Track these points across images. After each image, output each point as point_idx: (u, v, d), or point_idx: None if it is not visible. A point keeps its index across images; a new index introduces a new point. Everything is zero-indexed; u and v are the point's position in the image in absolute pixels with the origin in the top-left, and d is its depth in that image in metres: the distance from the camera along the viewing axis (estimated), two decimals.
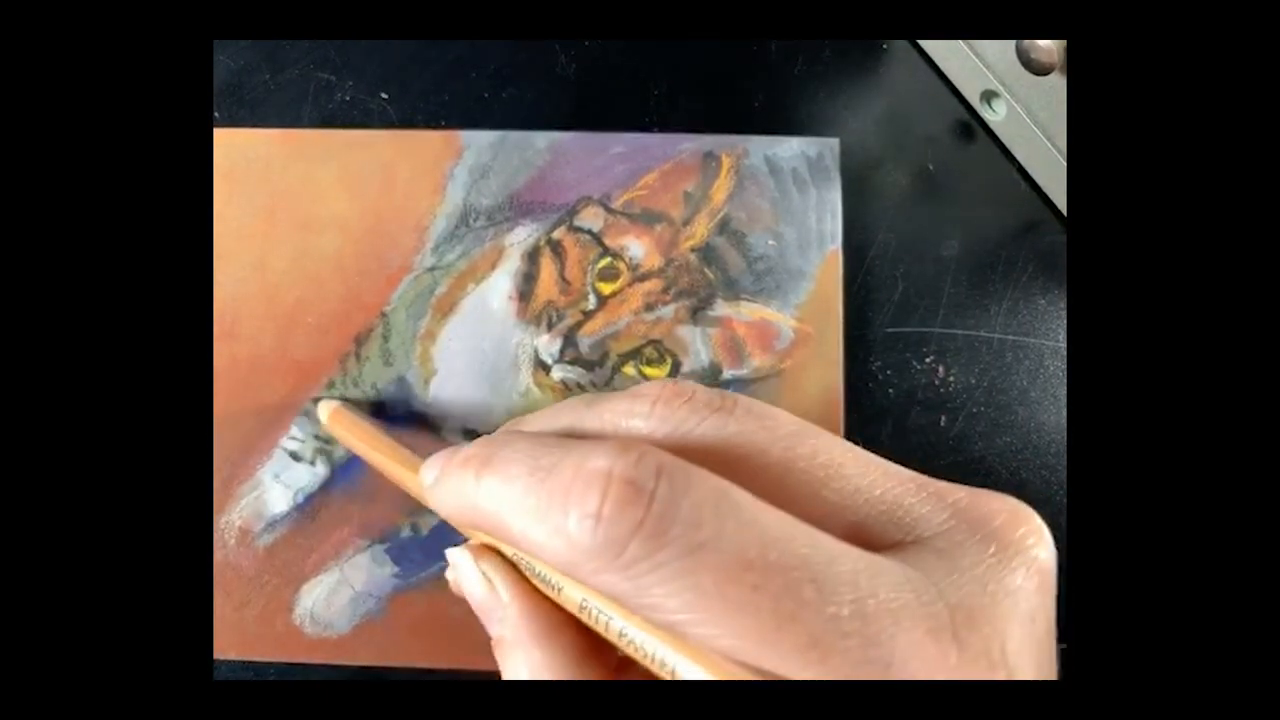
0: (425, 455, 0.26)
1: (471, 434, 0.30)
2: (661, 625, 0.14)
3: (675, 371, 0.30)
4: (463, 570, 0.18)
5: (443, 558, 0.29)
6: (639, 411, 0.17)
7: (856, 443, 0.24)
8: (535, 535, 0.15)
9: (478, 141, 0.32)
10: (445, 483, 0.18)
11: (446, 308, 0.30)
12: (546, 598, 0.17)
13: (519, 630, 0.17)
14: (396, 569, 0.29)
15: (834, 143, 0.31)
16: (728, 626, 0.14)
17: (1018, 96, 0.30)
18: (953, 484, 0.16)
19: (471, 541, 0.19)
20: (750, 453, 0.16)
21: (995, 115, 0.32)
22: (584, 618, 0.16)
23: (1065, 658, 0.16)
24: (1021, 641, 0.14)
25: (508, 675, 0.17)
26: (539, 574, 0.17)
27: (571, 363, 0.30)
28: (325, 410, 0.29)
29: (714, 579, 0.14)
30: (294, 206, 0.31)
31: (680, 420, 0.17)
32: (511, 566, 0.18)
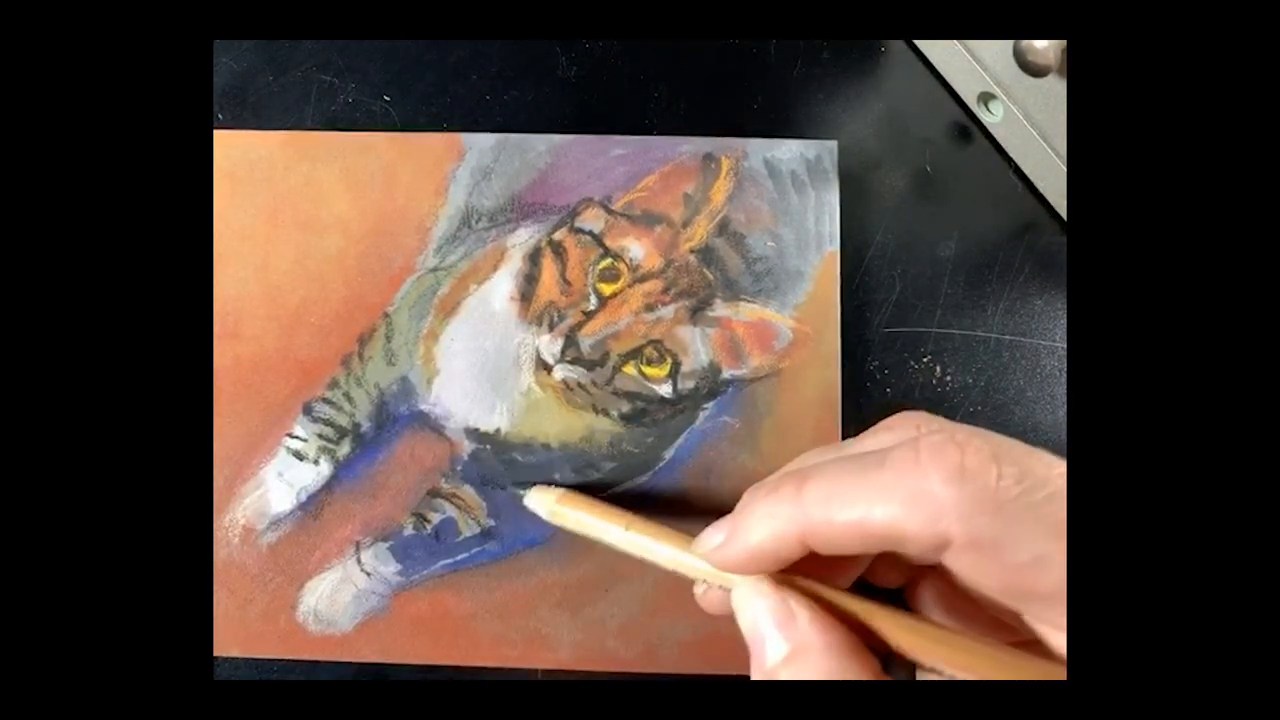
0: (435, 460, 0.27)
1: (474, 433, 0.30)
2: (1013, 577, 0.18)
3: (675, 371, 0.30)
4: (758, 603, 0.20)
5: (446, 555, 0.29)
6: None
7: None
8: (891, 510, 0.18)
9: (479, 144, 0.32)
10: (747, 525, 0.20)
11: (449, 308, 0.31)
12: (832, 614, 0.20)
13: (812, 643, 0.19)
14: (399, 567, 0.29)
15: (832, 145, 0.31)
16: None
17: (1015, 98, 0.30)
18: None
19: (748, 579, 0.21)
20: None
21: (992, 117, 0.32)
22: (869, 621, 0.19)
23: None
24: None
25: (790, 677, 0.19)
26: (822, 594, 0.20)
27: (573, 362, 0.30)
28: (545, 501, 0.27)
29: (1056, 510, 0.17)
30: (297, 208, 0.31)
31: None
32: (796, 590, 0.20)
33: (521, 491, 0.29)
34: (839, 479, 0.19)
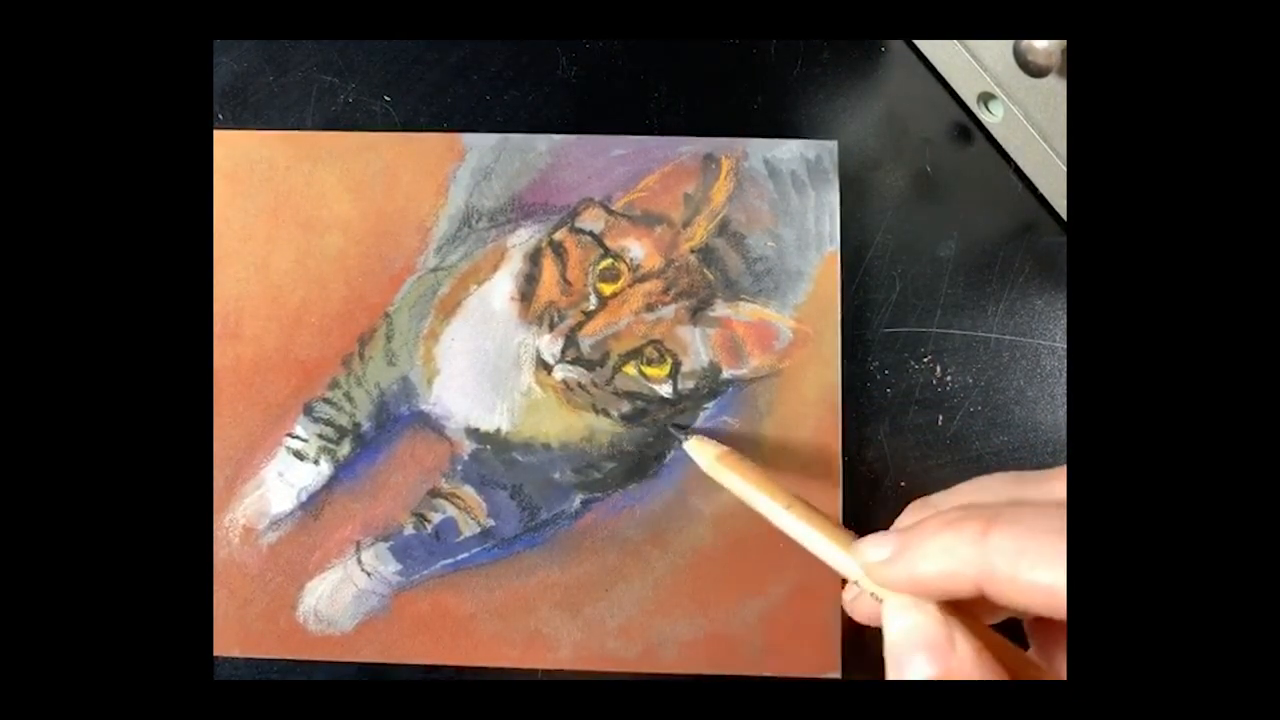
0: (435, 460, 0.27)
1: (474, 433, 0.30)
2: None
3: (675, 371, 0.30)
4: (916, 619, 0.19)
5: (446, 555, 0.29)
6: None
7: (854, 442, 0.25)
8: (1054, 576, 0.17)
9: (480, 144, 0.32)
10: (919, 553, 0.19)
11: (449, 308, 0.31)
12: (982, 640, 0.19)
13: (967, 670, 0.18)
14: (400, 566, 0.29)
15: (832, 145, 0.31)
16: None
17: (1015, 99, 0.30)
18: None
19: (909, 599, 0.20)
20: None
21: (992, 117, 0.32)
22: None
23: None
24: None
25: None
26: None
27: (573, 362, 0.30)
28: (706, 453, 0.27)
29: None
30: (297, 208, 0.31)
31: None
32: (960, 618, 0.19)
33: (682, 436, 0.29)
34: (1033, 533, 0.17)
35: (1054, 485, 0.20)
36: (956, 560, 0.18)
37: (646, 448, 0.30)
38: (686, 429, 0.29)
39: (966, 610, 0.19)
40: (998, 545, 0.17)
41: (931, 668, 0.18)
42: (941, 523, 0.19)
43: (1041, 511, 0.18)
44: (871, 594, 0.21)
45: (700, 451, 0.28)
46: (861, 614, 0.22)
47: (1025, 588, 0.17)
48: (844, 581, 0.22)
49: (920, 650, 0.19)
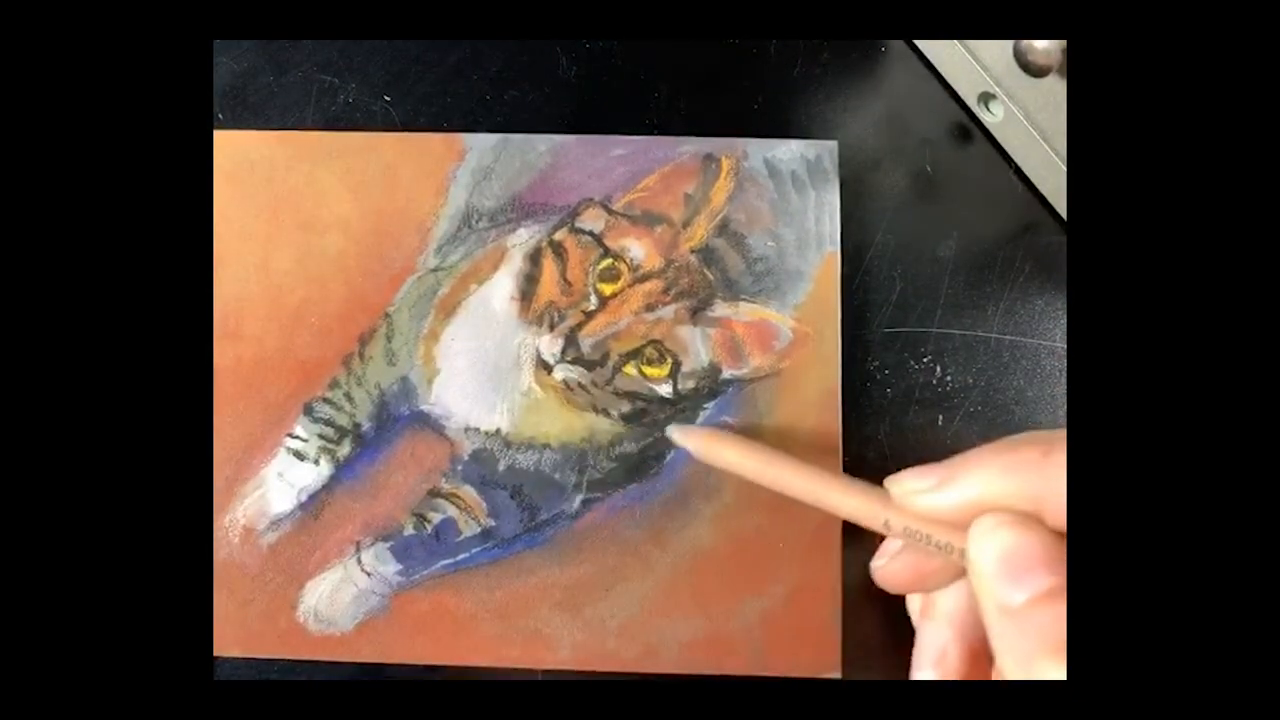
0: (435, 460, 0.28)
1: (474, 433, 0.30)
2: None
3: (675, 371, 0.30)
4: (1020, 534, 0.18)
5: (446, 555, 0.29)
6: None
7: (855, 442, 0.25)
8: None
9: (480, 144, 0.32)
10: (972, 476, 0.19)
11: (449, 308, 0.31)
12: None
13: None
14: (399, 567, 0.29)
15: (832, 145, 0.31)
16: None
17: (1015, 99, 0.30)
18: None
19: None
20: None
21: (993, 117, 0.32)
22: None
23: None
24: None
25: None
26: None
27: (573, 362, 0.30)
28: (695, 439, 0.27)
29: None
30: (297, 208, 0.31)
31: None
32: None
33: (666, 431, 0.29)
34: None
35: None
36: (1016, 483, 0.18)
37: (647, 448, 0.30)
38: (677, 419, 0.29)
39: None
40: (1061, 466, 0.17)
41: (1052, 578, 0.17)
42: (994, 450, 0.19)
43: None
44: (914, 537, 0.19)
45: (687, 436, 0.28)
46: (896, 579, 0.21)
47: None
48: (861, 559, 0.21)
49: (1038, 564, 0.18)
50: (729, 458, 0.26)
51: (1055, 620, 0.17)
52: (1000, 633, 0.18)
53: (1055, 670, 0.16)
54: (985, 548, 0.18)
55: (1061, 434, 0.18)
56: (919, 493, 0.19)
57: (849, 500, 0.21)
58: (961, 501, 0.19)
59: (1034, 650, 0.17)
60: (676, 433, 0.29)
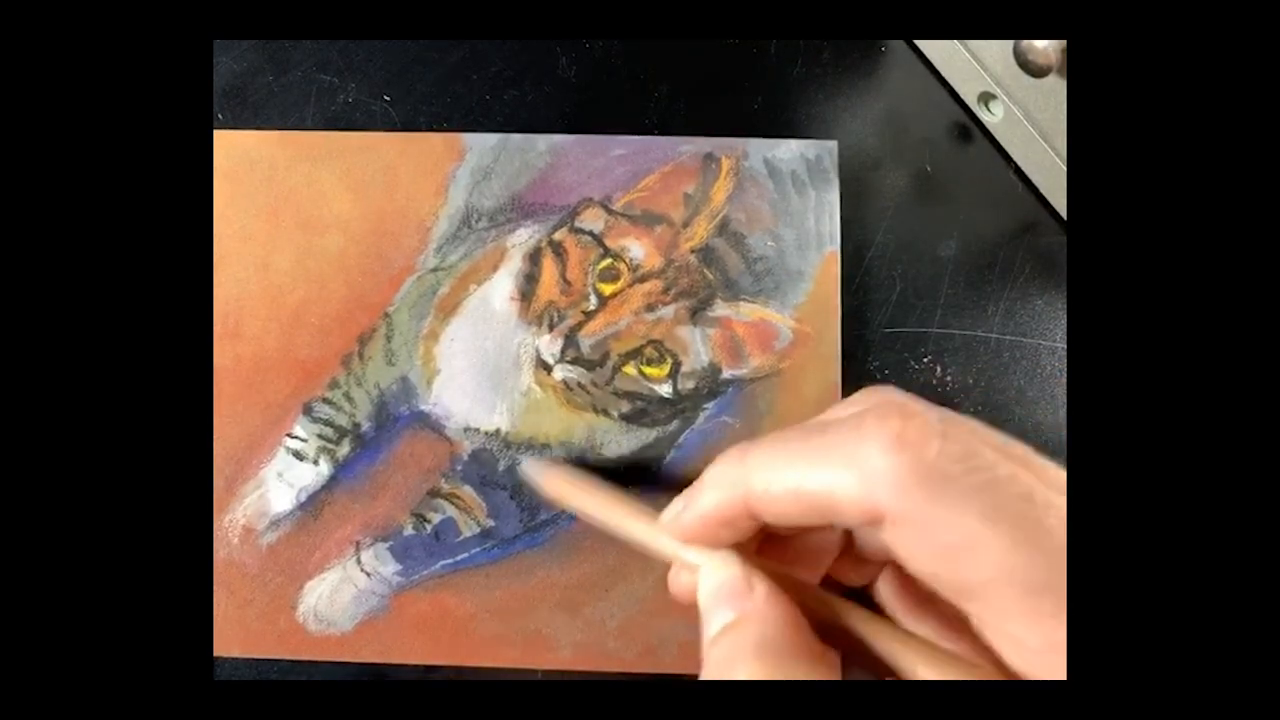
0: (435, 460, 0.27)
1: (474, 433, 0.30)
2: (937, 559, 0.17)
3: (675, 371, 0.30)
4: (721, 574, 0.20)
5: (446, 555, 0.29)
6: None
7: None
8: (825, 476, 0.17)
9: (479, 144, 0.32)
10: (699, 492, 0.20)
11: (449, 308, 0.31)
12: (782, 584, 0.19)
13: (762, 614, 0.19)
14: (399, 567, 0.29)
15: (832, 145, 0.31)
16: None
17: (1015, 98, 0.30)
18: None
19: (716, 555, 0.20)
20: None
21: (993, 117, 0.32)
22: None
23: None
24: None
25: (734, 648, 0.19)
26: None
27: (572, 362, 0.30)
28: (539, 472, 0.28)
29: (995, 497, 0.16)
30: (297, 208, 0.31)
31: None
32: (761, 570, 0.20)
33: (520, 460, 0.29)
34: (782, 445, 0.18)
35: (825, 415, 0.20)
36: (726, 487, 0.19)
37: (647, 448, 0.30)
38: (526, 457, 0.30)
39: (792, 569, 0.20)
40: (754, 463, 0.19)
41: (731, 612, 0.19)
42: (725, 456, 0.20)
43: (791, 430, 0.19)
44: (686, 568, 0.21)
45: (535, 472, 0.28)
46: (682, 591, 0.22)
47: (779, 495, 0.18)
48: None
49: (724, 600, 0.19)
50: (563, 494, 0.26)
51: (732, 648, 0.19)
52: (704, 658, 0.19)
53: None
54: (701, 594, 0.20)
55: (772, 432, 0.19)
56: (673, 520, 0.21)
57: (636, 533, 0.22)
58: (698, 518, 0.20)
59: (723, 674, 0.19)
60: (530, 468, 0.29)
